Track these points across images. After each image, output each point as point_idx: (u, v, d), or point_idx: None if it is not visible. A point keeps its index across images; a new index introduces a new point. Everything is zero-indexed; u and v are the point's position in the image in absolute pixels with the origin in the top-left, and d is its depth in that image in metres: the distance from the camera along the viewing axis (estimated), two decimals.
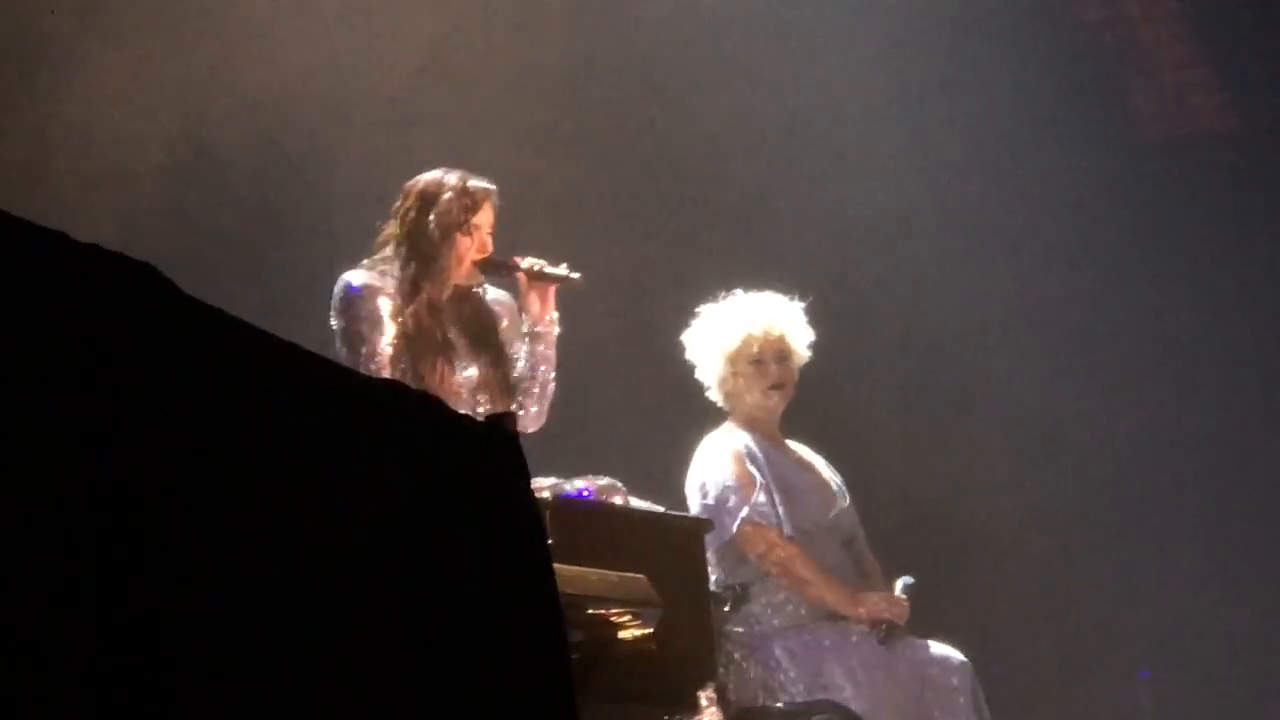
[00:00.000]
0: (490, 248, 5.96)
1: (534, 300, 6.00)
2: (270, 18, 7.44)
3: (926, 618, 6.56)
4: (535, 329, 6.01)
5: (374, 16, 7.80)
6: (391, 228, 5.95)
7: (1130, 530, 8.85)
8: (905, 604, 6.43)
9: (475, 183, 5.94)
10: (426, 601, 1.93)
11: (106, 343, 1.68)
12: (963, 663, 6.38)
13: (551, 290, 6.02)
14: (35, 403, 1.59)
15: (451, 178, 5.94)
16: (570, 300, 6.19)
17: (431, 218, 5.86)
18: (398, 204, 5.96)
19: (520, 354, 6.04)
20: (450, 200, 5.88)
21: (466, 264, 5.92)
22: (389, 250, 5.93)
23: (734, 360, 6.63)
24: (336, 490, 1.87)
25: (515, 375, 6.02)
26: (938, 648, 6.41)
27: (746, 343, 6.64)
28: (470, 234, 5.90)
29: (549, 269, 6.00)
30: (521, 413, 6.02)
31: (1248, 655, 8.58)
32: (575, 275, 6.03)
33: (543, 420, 6.08)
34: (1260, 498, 8.76)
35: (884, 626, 6.33)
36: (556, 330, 6.04)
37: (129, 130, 7.22)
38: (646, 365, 7.63)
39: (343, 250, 6.16)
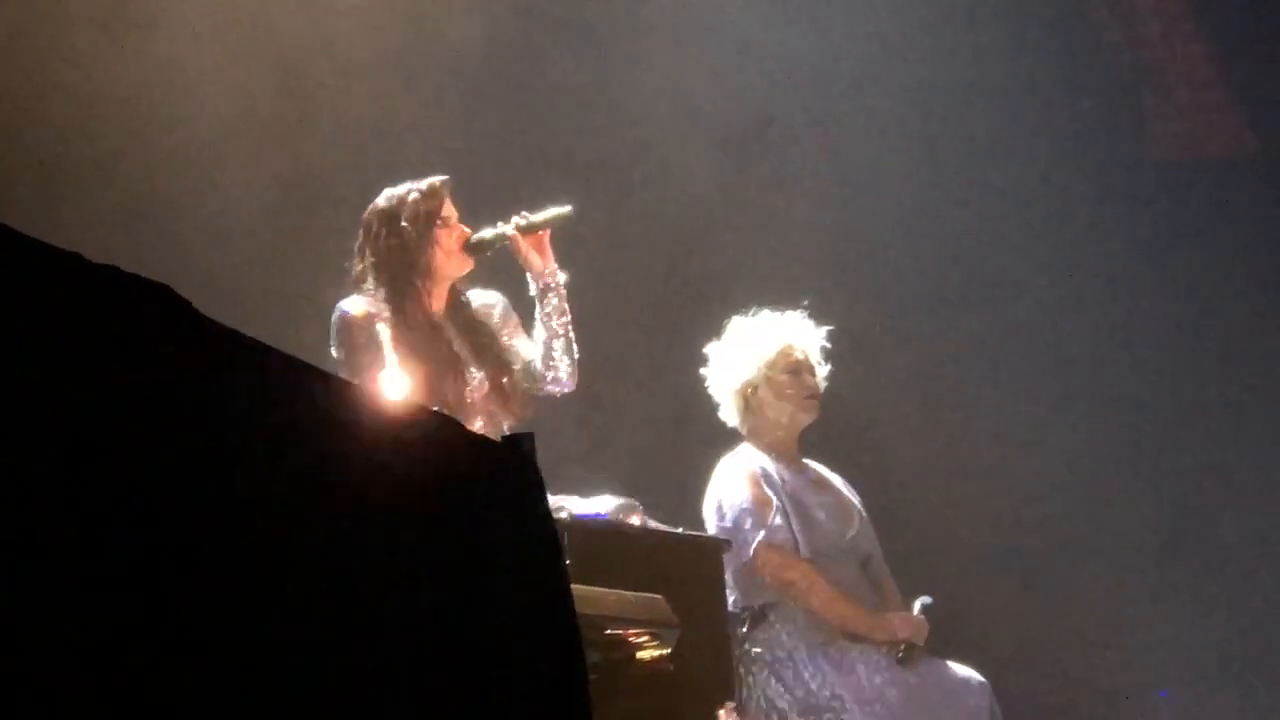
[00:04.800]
0: (468, 232, 5.97)
1: (533, 256, 5.98)
2: None
3: (945, 638, 6.55)
4: (543, 283, 5.98)
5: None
6: (361, 262, 5.92)
7: (1151, 551, 8.83)
8: (924, 624, 6.43)
9: (427, 180, 5.95)
10: (443, 621, 1.93)
11: (124, 362, 1.69)
12: (981, 683, 6.37)
13: (546, 240, 5.99)
14: (50, 421, 1.60)
15: (400, 188, 5.95)
16: (589, 322, 6.17)
17: (404, 224, 5.85)
18: (360, 240, 5.95)
19: (535, 317, 6.01)
20: (415, 203, 5.88)
21: (455, 254, 5.92)
22: (369, 283, 5.90)
23: (772, 366, 6.62)
24: (353, 509, 1.87)
25: (537, 336, 6.00)
26: (956, 668, 6.40)
27: (785, 352, 6.63)
28: (447, 226, 5.91)
29: (536, 216, 5.99)
30: (552, 375, 6.01)
31: (1268, 674, 8.55)
32: (564, 209, 6.00)
33: (576, 377, 6.04)
34: None
35: (902, 647, 6.33)
36: (563, 277, 6.00)
37: None
38: (664, 387, 7.63)
39: None
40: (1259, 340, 8.92)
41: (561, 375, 6.01)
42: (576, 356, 6.02)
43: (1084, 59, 9.12)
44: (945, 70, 8.79)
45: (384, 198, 5.94)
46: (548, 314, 5.99)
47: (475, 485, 2.06)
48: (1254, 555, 8.73)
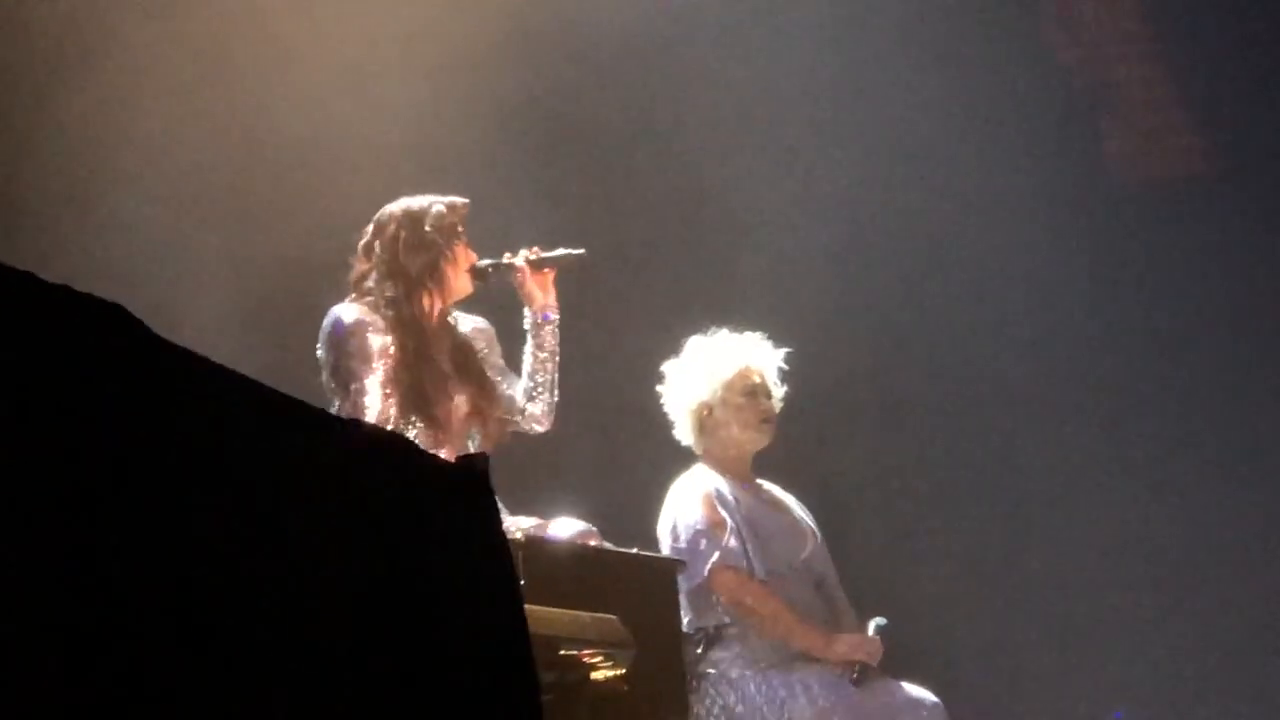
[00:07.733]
0: (474, 256, 5.98)
1: (535, 290, 6.00)
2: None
3: (899, 659, 6.55)
4: (540, 318, 6.00)
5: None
6: (367, 261, 5.91)
7: (1105, 573, 8.85)
8: (878, 644, 6.43)
9: (448, 197, 5.96)
10: (394, 642, 1.92)
11: (75, 378, 1.68)
12: (935, 704, 6.37)
13: (551, 278, 6.02)
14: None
15: (424, 199, 5.95)
16: None
17: (428, 229, 5.85)
18: (369, 238, 5.93)
19: (525, 350, 6.04)
20: (440, 214, 5.89)
21: (463, 275, 5.93)
22: (371, 283, 5.89)
23: (729, 387, 6.61)
24: (302, 528, 1.86)
25: (525, 370, 6.04)
26: (910, 689, 6.41)
27: (743, 374, 6.62)
28: (465, 243, 5.92)
29: (547, 253, 6.02)
30: (530, 411, 6.03)
31: (1221, 697, 8.57)
32: (578, 251, 6.05)
33: (552, 418, 6.07)
34: (1246, 545, 8.76)
35: (857, 667, 6.33)
36: (555, 316, 6.04)
37: None
38: (619, 408, 7.62)
39: None
40: (1221, 360, 8.93)
41: (539, 412, 6.04)
42: (556, 399, 6.05)
43: (1040, 81, 9.15)
44: (896, 96, 8.80)
45: (404, 203, 5.95)
46: (538, 350, 6.01)
47: (428, 505, 2.05)
48: (1212, 578, 8.74)
